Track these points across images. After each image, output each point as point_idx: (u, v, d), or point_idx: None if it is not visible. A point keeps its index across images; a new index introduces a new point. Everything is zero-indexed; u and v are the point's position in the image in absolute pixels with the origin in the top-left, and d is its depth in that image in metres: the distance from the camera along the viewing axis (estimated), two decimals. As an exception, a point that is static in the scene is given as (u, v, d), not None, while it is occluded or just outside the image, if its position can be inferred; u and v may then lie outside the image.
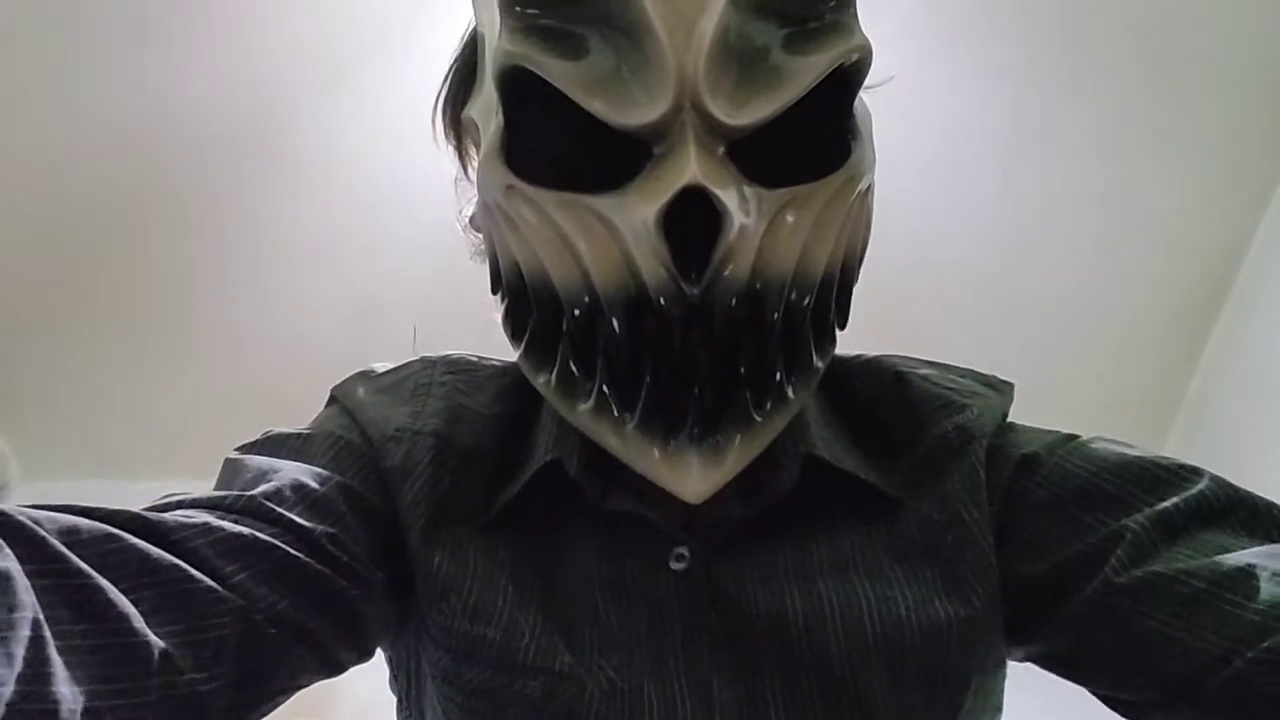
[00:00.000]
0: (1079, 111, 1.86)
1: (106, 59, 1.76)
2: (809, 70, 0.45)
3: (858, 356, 0.61)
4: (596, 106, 0.44)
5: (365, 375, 0.61)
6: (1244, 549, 0.44)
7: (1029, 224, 2.00)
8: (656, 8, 0.43)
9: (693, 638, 0.50)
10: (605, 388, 0.47)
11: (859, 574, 0.51)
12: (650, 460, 0.47)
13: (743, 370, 0.46)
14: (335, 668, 0.49)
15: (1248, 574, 0.42)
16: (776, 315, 0.46)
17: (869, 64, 0.48)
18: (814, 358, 0.50)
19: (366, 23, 1.74)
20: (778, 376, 0.48)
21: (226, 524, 0.43)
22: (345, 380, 0.61)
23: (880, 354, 0.61)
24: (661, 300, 0.43)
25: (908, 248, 1.90)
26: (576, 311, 0.46)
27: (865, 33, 0.47)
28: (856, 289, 0.54)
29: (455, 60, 0.57)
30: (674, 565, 0.51)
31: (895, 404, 0.57)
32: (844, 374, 0.60)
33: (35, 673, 0.30)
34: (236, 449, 0.55)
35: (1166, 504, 0.47)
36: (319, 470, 0.51)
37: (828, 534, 0.53)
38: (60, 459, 2.29)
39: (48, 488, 2.30)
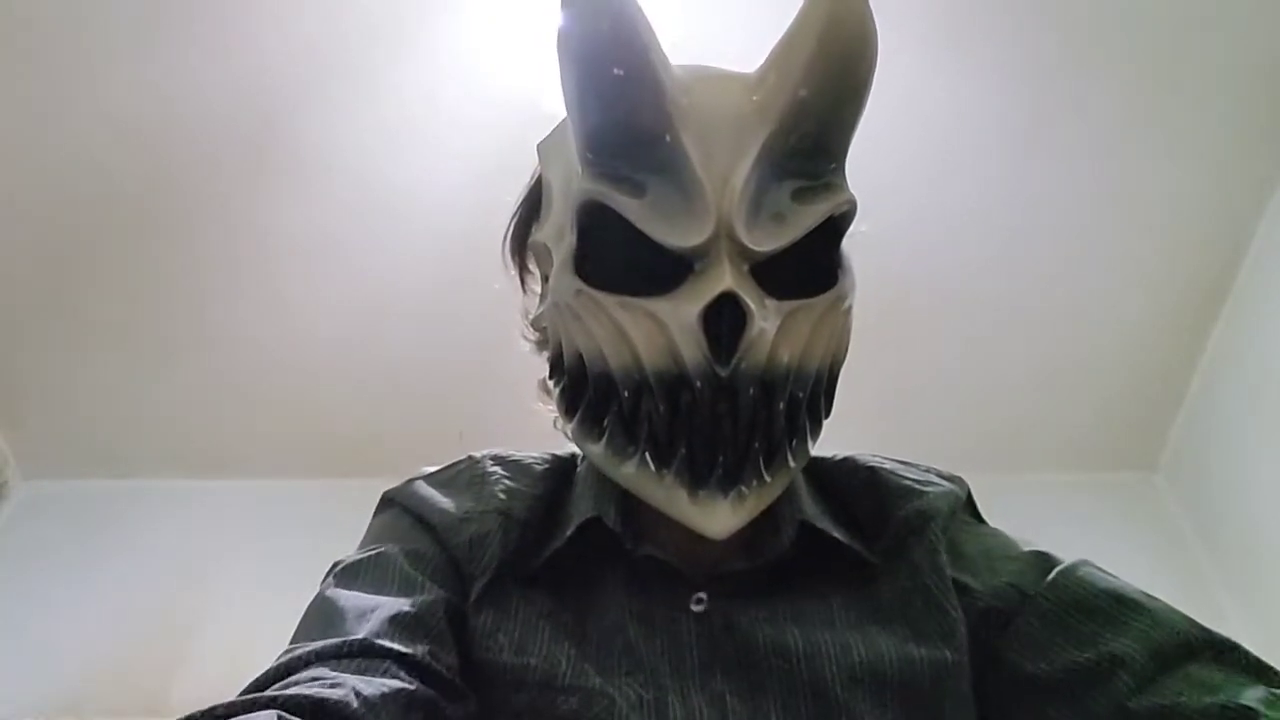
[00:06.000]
0: (1080, 112, 1.86)
1: (107, 62, 1.76)
2: (810, 216, 0.59)
3: (834, 456, 0.73)
4: (654, 232, 0.58)
5: (419, 477, 0.73)
6: (1230, 686, 0.52)
7: (1030, 223, 2.00)
8: (702, 163, 0.58)
9: (708, 662, 0.60)
10: (648, 452, 0.59)
11: (845, 627, 0.62)
12: (684, 506, 0.58)
13: (756, 443, 0.58)
14: None
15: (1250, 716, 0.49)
16: (782, 404, 0.58)
17: (854, 214, 0.62)
18: (808, 436, 0.63)
19: (368, 25, 1.74)
20: (783, 447, 0.60)
21: (361, 681, 0.52)
22: (399, 485, 0.72)
23: (853, 453, 0.74)
24: (698, 382, 0.56)
25: (909, 246, 1.90)
26: (626, 393, 0.59)
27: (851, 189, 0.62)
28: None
29: (523, 198, 0.72)
30: (694, 608, 0.62)
31: (869, 493, 0.69)
32: (825, 469, 0.73)
33: None
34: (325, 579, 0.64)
35: (1158, 636, 0.56)
36: (402, 590, 0.61)
37: (818, 593, 0.64)
38: (59, 458, 2.30)
39: (47, 486, 2.31)
